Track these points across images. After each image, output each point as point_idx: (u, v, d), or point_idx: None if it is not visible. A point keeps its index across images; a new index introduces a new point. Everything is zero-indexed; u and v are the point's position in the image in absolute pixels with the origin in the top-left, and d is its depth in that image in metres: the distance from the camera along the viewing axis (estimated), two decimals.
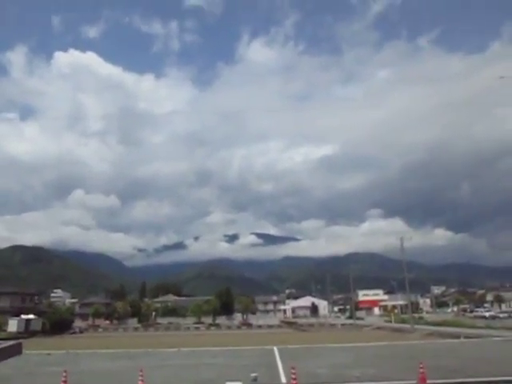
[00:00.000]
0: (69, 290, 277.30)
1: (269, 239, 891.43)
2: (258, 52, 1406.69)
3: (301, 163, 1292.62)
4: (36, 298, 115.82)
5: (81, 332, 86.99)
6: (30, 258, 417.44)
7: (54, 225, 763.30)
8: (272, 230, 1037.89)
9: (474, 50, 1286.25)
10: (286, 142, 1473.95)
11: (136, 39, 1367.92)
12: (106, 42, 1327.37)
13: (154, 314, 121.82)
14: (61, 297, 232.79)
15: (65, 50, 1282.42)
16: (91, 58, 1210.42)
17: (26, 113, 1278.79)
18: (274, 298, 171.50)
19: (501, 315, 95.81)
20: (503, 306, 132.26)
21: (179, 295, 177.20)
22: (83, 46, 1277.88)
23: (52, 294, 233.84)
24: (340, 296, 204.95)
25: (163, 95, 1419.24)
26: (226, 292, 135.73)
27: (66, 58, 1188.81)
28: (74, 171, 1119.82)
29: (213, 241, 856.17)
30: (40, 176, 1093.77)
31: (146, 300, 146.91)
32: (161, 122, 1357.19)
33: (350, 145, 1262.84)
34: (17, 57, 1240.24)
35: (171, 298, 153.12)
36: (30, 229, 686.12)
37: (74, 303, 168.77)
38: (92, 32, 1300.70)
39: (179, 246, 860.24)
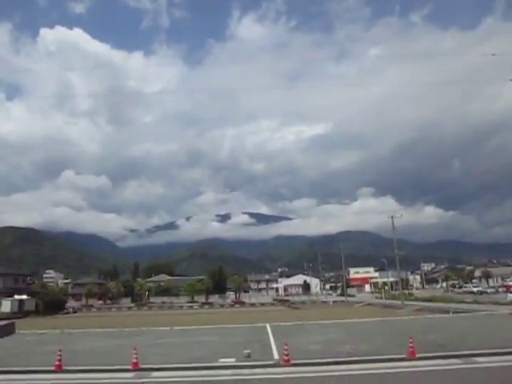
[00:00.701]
0: (61, 271, 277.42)
1: (261, 219, 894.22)
2: (249, 29, 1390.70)
3: (293, 142, 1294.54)
4: (29, 278, 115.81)
5: (74, 312, 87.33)
6: (21, 239, 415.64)
7: (45, 206, 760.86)
8: (264, 210, 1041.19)
9: (466, 27, 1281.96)
10: (278, 121, 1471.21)
11: (124, 15, 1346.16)
12: (93, 18, 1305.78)
13: (147, 293, 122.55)
14: (53, 277, 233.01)
15: (51, 26, 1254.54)
16: (78, 35, 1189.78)
17: (13, 92, 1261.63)
18: (267, 276, 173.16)
19: (488, 290, 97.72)
20: (491, 282, 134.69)
21: (172, 275, 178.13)
22: (70, 22, 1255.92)
23: (44, 275, 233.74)
24: (332, 274, 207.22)
25: (153, 73, 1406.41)
26: (218, 271, 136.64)
27: (53, 35, 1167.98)
28: (64, 152, 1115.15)
29: (205, 221, 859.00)
30: (29, 157, 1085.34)
31: (139, 280, 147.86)
32: (151, 101, 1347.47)
33: (343, 123, 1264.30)
34: (1, 34, 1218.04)
35: (164, 277, 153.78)
36: (20, 210, 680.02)
37: (66, 284, 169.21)
38: (78, 8, 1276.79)
39: (171, 226, 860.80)
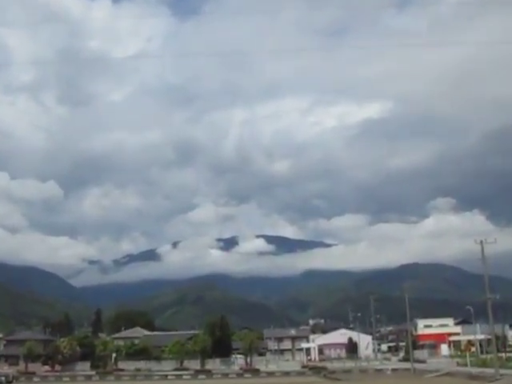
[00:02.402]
0: None
1: (284, 245, 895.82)
2: None
3: (333, 130, 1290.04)
4: None
5: (8, 382, 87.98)
6: None
7: None
8: (289, 231, 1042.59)
9: None
10: (311, 99, 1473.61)
11: None
12: None
13: (113, 356, 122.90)
14: None
15: None
16: None
17: None
18: (293, 331, 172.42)
19: None
20: None
21: (151, 329, 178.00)
22: None
23: None
24: (391, 328, 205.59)
25: (125, 29, 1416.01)
26: (220, 324, 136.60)
27: None
28: None
29: (200, 248, 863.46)
30: None
31: (103, 336, 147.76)
32: (122, 71, 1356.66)
33: (408, 102, 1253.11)
34: None
35: (139, 332, 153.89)
36: None
37: None
38: None
39: (150, 255, 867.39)
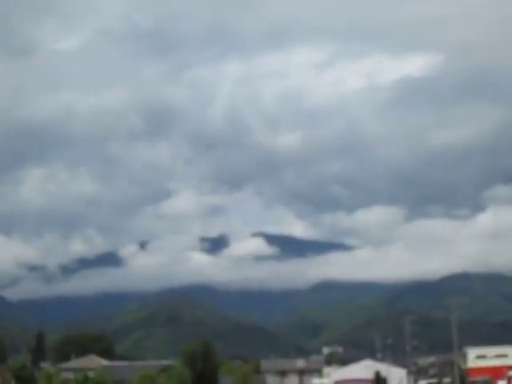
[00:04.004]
0: None
1: (290, 246, 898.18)
2: None
3: (358, 93, 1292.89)
4: None
5: None
6: None
7: None
8: (297, 229, 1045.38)
9: None
10: (329, 51, 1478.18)
11: None
12: None
13: None
14: None
15: None
16: None
17: None
18: (300, 362, 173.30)
19: None
20: None
21: (111, 357, 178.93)
22: None
23: None
24: (431, 359, 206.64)
25: None
26: (203, 351, 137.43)
27: None
28: None
29: (177, 249, 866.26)
30: None
31: (46, 366, 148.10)
32: (75, 10, 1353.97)
33: (461, 55, 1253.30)
34: None
35: (95, 361, 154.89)
36: None
37: None
38: None
39: (109, 259, 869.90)
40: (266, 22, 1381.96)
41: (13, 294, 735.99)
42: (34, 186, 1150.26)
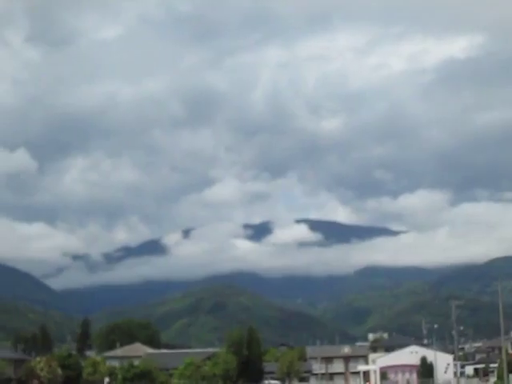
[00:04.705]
0: None
1: (334, 232, 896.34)
2: None
3: (401, 76, 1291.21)
4: None
5: None
6: None
7: None
8: (340, 214, 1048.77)
9: None
10: (371, 34, 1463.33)
11: None
12: None
13: (106, 380, 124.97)
14: None
15: None
16: None
17: None
18: (346, 349, 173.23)
19: None
20: None
21: (156, 345, 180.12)
22: None
23: None
24: (478, 345, 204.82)
25: None
26: (248, 339, 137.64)
27: None
28: None
29: (221, 237, 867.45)
30: None
31: (91, 354, 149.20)
32: None
33: (505, 35, 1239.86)
34: None
35: (140, 350, 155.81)
36: None
37: None
38: None
39: (153, 247, 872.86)
40: (307, 7, 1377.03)
41: (57, 284, 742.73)
42: (77, 176, 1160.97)
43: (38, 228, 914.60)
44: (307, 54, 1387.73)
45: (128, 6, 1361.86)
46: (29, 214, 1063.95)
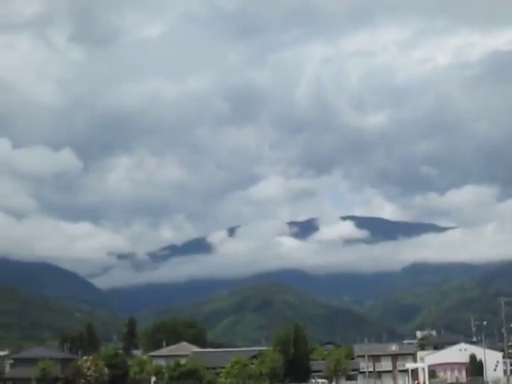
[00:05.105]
0: None
1: (380, 229, 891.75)
2: None
3: (447, 69, 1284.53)
4: None
5: None
6: None
7: None
8: (387, 211, 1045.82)
9: None
10: (416, 28, 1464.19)
11: None
12: None
13: (153, 379, 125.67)
14: None
15: None
16: None
17: None
18: (394, 347, 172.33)
19: None
20: None
21: (202, 344, 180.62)
22: None
23: None
24: None
25: None
26: (294, 337, 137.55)
27: None
28: None
29: (266, 235, 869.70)
30: None
31: (138, 353, 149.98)
32: None
33: None
34: None
35: (186, 348, 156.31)
36: None
37: (1, 358, 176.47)
38: None
39: (199, 246, 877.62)
40: (351, 1, 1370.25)
41: (103, 283, 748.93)
42: (121, 175, 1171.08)
43: (83, 227, 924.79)
44: (351, 49, 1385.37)
45: (171, 3, 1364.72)
46: (74, 214, 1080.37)
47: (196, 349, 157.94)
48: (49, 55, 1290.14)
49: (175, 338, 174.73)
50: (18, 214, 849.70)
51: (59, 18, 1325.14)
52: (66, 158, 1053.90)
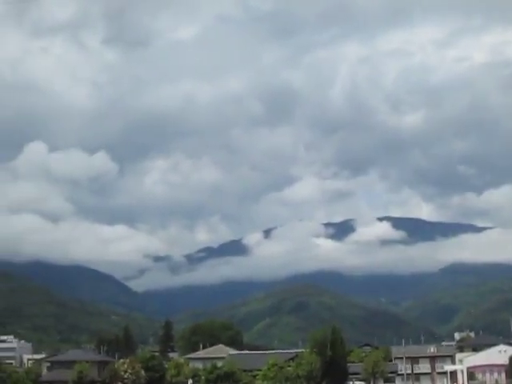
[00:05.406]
0: (27, 337, 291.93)
1: (417, 230, 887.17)
2: None
3: (483, 68, 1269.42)
4: None
5: None
6: None
7: None
8: (424, 211, 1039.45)
9: None
10: (452, 26, 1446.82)
11: None
12: None
13: (190, 382, 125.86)
14: (13, 349, 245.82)
15: None
16: None
17: None
18: (432, 348, 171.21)
19: None
20: None
21: (239, 346, 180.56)
22: None
23: None
24: None
25: None
26: (331, 339, 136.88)
27: None
28: (24, 108, 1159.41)
29: (302, 236, 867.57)
30: None
31: (174, 356, 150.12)
32: None
33: None
34: None
35: (223, 351, 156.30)
36: None
37: (38, 360, 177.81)
38: None
39: (234, 248, 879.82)
40: (386, 1, 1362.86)
41: (139, 285, 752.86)
42: (157, 177, 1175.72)
43: (119, 230, 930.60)
44: (387, 48, 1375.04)
45: (205, 5, 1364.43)
46: (110, 217, 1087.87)
47: (232, 351, 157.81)
48: (83, 58, 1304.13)
49: (212, 341, 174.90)
50: (54, 218, 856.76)
51: (93, 21, 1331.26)
52: (102, 161, 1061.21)
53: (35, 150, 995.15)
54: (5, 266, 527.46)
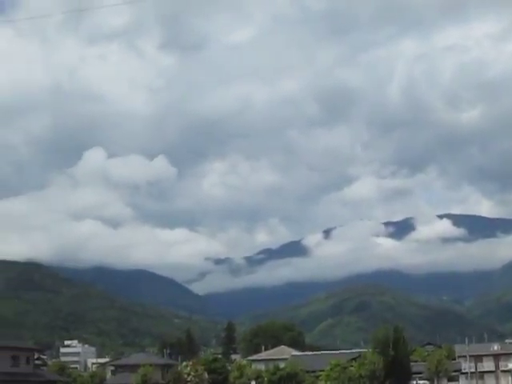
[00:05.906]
0: (91, 342, 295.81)
1: (478, 227, 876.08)
2: None
3: None
4: (37, 356, 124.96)
5: None
6: (19, 282, 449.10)
7: (57, 221, 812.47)
8: (484, 208, 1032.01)
9: None
10: (508, 20, 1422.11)
11: None
12: None
13: (253, 383, 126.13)
14: (78, 353, 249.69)
15: None
16: None
17: None
18: (496, 347, 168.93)
19: None
20: None
21: (301, 347, 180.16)
22: None
23: (62, 349, 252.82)
24: None
25: None
26: (394, 338, 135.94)
27: None
28: (83, 114, 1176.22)
29: (362, 236, 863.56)
30: (17, 129, 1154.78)
31: (237, 358, 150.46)
32: (247, 0, 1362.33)
33: None
34: None
35: (285, 352, 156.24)
36: (14, 230, 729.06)
37: (103, 364, 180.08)
38: None
39: (294, 249, 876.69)
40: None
41: (200, 288, 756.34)
42: (215, 180, 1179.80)
43: (179, 234, 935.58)
44: (443, 44, 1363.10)
45: (259, 6, 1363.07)
46: (170, 221, 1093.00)
47: (295, 352, 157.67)
48: (139, 64, 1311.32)
49: (273, 342, 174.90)
50: (115, 223, 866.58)
51: (148, 27, 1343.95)
52: (160, 166, 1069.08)
53: (94, 157, 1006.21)
54: (68, 272, 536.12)
